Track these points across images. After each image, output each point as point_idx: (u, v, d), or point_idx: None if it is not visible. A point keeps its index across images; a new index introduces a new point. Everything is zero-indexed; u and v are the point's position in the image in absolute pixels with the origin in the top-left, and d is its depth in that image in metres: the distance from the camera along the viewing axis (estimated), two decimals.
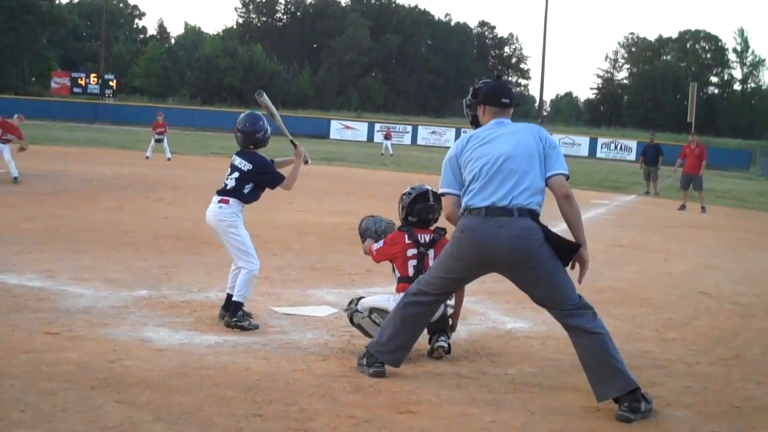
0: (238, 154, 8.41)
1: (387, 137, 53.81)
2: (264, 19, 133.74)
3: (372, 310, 7.34)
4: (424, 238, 7.39)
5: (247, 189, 8.24)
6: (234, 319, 7.74)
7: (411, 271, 7.30)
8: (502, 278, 11.37)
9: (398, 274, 7.39)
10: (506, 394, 6.39)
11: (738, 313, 10.13)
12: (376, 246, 7.52)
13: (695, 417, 6.10)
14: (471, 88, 7.13)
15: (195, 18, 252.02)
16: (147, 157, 32.84)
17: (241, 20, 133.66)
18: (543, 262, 6.16)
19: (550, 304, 6.33)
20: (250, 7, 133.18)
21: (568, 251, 6.33)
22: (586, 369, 6.16)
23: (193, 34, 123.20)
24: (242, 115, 8.66)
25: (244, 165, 8.25)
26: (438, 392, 6.32)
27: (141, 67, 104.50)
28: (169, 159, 32.35)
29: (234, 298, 7.85)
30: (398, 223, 7.67)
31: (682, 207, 25.42)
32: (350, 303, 7.54)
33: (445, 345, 7.27)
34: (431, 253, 7.34)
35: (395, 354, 6.58)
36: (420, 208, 7.50)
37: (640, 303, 10.32)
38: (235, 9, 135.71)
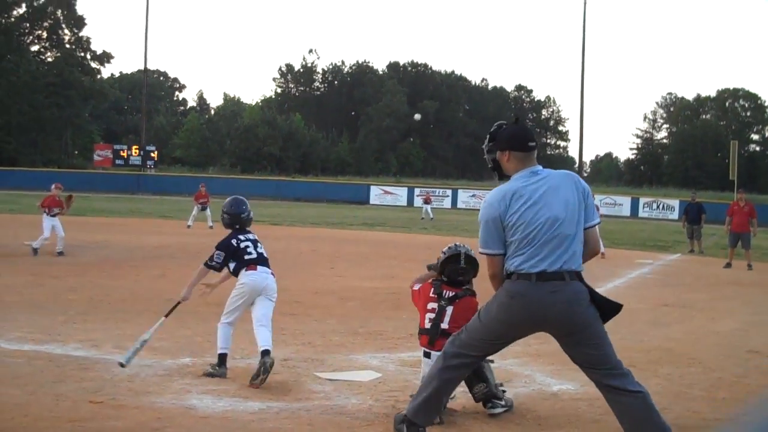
0: (244, 232, 9.38)
1: (427, 201, 53.54)
2: (302, 88, 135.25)
3: None
4: (448, 293, 7.39)
5: None
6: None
7: (427, 324, 7.31)
8: (547, 340, 11.27)
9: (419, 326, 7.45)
10: None
11: None
12: (415, 287, 7.67)
13: None
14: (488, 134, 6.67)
15: (234, 89, 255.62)
16: (189, 226, 33.07)
17: (279, 90, 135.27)
18: (591, 323, 6.13)
19: (593, 365, 6.28)
20: (288, 77, 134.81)
21: (612, 311, 6.27)
22: (630, 430, 6.04)
23: (232, 104, 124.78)
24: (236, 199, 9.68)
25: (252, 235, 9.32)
26: None
27: (181, 138, 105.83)
28: (211, 227, 32.55)
29: (268, 348, 8.41)
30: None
31: (728, 265, 25.11)
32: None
33: (500, 411, 7.30)
34: (450, 309, 7.33)
35: (430, 415, 6.49)
36: (451, 268, 7.53)
37: (688, 362, 10.15)
38: (274, 79, 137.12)
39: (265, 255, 9.19)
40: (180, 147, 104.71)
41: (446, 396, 6.55)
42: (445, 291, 7.43)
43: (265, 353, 8.27)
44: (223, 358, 8.66)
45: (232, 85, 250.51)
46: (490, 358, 7.68)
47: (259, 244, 9.27)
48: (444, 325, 7.32)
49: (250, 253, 9.05)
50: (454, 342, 6.40)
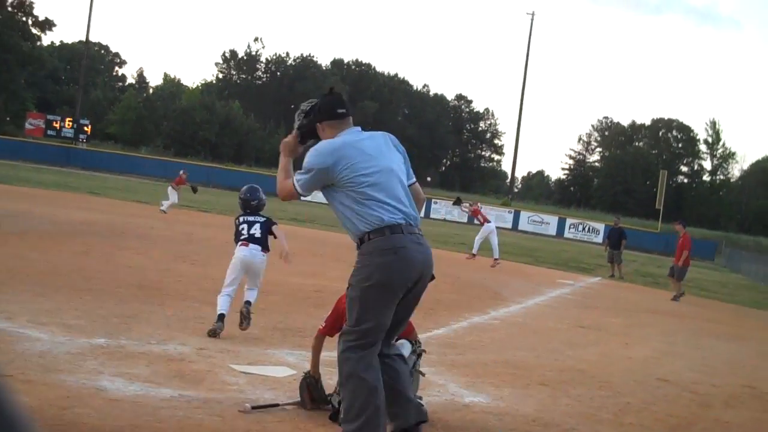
0: (251, 215, 11.06)
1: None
2: (244, 76, 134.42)
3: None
4: None
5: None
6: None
7: None
8: (464, 351, 11.41)
9: None
10: None
11: (695, 401, 10.14)
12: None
13: None
14: (299, 113, 6.76)
15: (175, 70, 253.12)
16: (163, 212, 32.10)
17: (221, 75, 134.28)
18: (428, 278, 6.16)
19: (400, 328, 6.31)
20: (231, 63, 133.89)
21: None
22: (395, 396, 6.05)
23: (171, 85, 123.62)
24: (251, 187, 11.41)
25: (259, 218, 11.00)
26: None
27: (117, 114, 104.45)
28: (163, 211, 31.63)
29: (248, 299, 10.68)
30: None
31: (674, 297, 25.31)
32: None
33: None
34: None
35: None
36: None
37: (599, 385, 10.30)
38: (216, 64, 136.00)
39: (257, 235, 10.79)
40: (115, 123, 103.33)
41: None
42: None
43: (246, 303, 10.45)
44: (221, 317, 10.07)
45: (174, 66, 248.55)
46: (422, 369, 7.77)
47: (256, 226, 10.86)
48: None
49: (242, 233, 10.74)
50: (342, 338, 6.10)
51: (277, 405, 7.21)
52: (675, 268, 26.02)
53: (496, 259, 27.82)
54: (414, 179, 6.44)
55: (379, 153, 6.17)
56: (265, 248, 10.92)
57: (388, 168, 6.11)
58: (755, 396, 11.05)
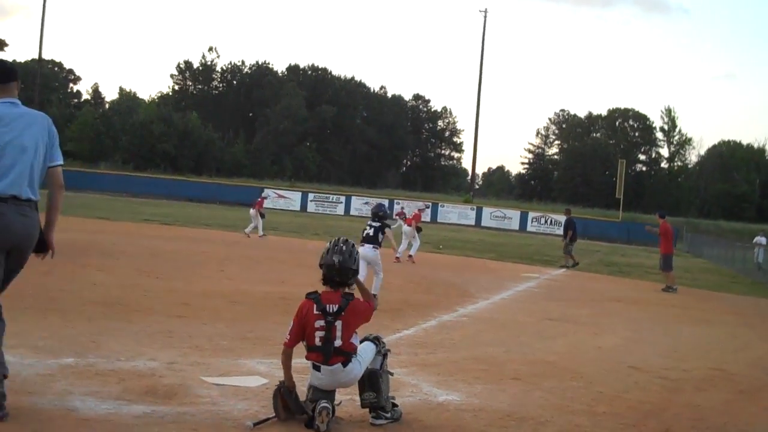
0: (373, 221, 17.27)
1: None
2: (200, 86, 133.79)
3: (308, 389, 7.30)
4: (332, 307, 7.30)
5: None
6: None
7: (318, 342, 7.22)
8: (434, 350, 11.43)
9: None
10: None
11: (667, 387, 10.22)
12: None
13: None
14: None
15: (130, 83, 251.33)
16: (262, 236, 33.54)
17: (177, 87, 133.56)
18: (30, 248, 6.84)
19: (8, 281, 7.09)
20: (187, 74, 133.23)
21: (41, 246, 6.94)
22: None
23: (127, 99, 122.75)
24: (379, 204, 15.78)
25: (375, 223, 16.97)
26: None
27: (74, 131, 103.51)
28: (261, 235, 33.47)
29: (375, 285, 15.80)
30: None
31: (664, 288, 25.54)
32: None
33: (382, 422, 7.30)
34: (339, 324, 7.25)
35: None
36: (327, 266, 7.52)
37: (570, 376, 10.35)
38: (171, 76, 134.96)
39: (371, 234, 16.69)
40: (72, 140, 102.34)
41: None
42: (327, 305, 7.31)
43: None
44: None
45: (129, 80, 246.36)
46: (390, 369, 7.77)
47: (368, 229, 16.94)
48: (337, 342, 7.27)
49: (363, 235, 16.75)
50: None
51: (277, 417, 7.17)
52: (663, 259, 26.39)
53: (410, 256, 28.05)
54: (56, 162, 6.96)
55: (19, 128, 6.63)
56: (377, 245, 16.73)
57: (21, 144, 6.57)
58: (725, 378, 11.16)
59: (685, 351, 13.53)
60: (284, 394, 7.18)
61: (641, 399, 9.38)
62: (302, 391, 7.34)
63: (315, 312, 7.22)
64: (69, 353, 9.21)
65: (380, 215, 17.36)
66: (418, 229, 29.28)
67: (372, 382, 7.37)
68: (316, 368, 7.22)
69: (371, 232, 16.80)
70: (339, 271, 7.41)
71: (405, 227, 29.57)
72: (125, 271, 17.89)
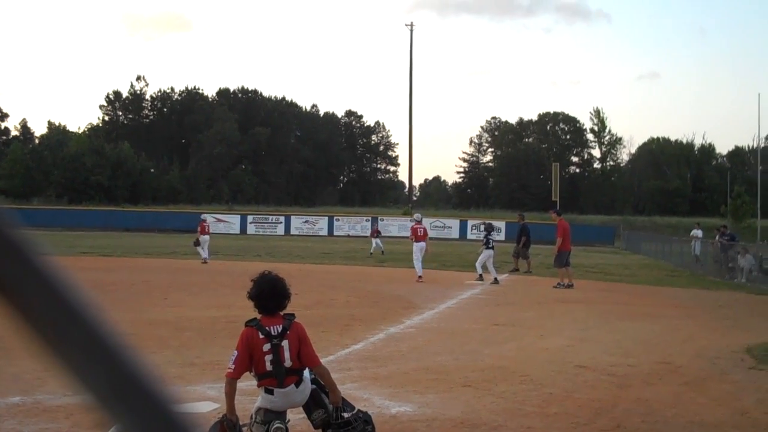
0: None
1: (376, 234, 47.67)
2: (130, 116, 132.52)
3: (256, 412, 7.26)
4: (276, 329, 7.28)
5: None
6: None
7: (269, 367, 7.18)
8: (384, 363, 11.47)
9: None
10: None
11: (615, 383, 10.37)
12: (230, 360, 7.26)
13: None
14: None
15: (59, 116, 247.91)
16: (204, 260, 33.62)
17: (107, 118, 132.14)
18: None
19: None
20: (116, 104, 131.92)
21: None
22: None
23: (57, 133, 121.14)
24: None
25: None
26: None
27: (4, 168, 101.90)
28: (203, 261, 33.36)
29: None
30: None
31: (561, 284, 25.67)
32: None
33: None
34: (285, 344, 7.25)
35: None
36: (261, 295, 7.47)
37: (520, 380, 10.46)
38: (100, 107, 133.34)
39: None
40: (3, 177, 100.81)
41: None
42: (270, 327, 7.30)
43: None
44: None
45: (57, 113, 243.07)
46: (342, 386, 7.77)
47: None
48: (287, 363, 7.25)
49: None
50: None
51: None
52: (556, 256, 26.52)
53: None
54: None
55: None
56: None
57: None
58: (671, 371, 11.35)
59: (630, 346, 13.74)
60: (227, 427, 7.10)
61: (591, 397, 9.51)
62: (243, 414, 7.31)
63: (260, 337, 7.20)
64: (15, 392, 9.09)
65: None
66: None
67: (317, 401, 7.37)
68: (269, 392, 7.20)
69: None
70: (273, 296, 7.40)
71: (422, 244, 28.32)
72: None
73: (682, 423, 8.36)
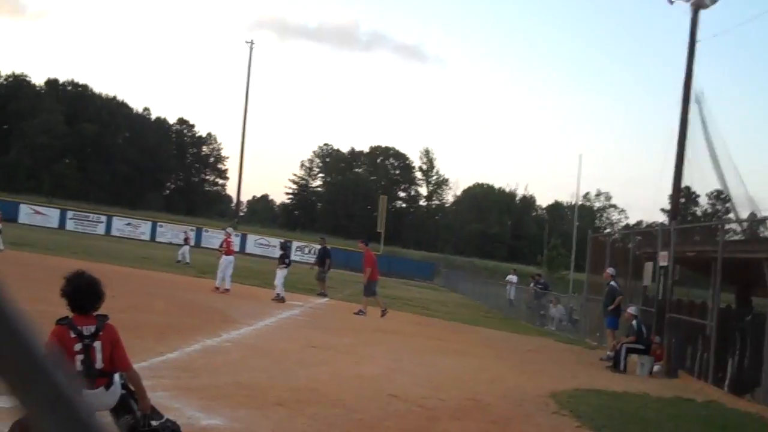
0: None
1: (187, 242, 46.30)
2: None
3: None
4: (88, 329, 7.13)
5: None
6: None
7: (80, 367, 7.02)
8: (197, 374, 11.31)
9: None
10: None
11: (424, 415, 10.53)
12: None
13: None
14: None
15: None
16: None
17: None
18: None
19: None
20: None
21: None
22: None
23: None
24: None
25: None
26: None
27: None
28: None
29: None
30: None
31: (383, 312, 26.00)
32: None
33: None
34: (98, 345, 7.11)
35: None
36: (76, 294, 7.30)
37: (332, 403, 10.50)
38: None
39: None
40: None
41: None
42: (83, 327, 7.12)
43: None
44: None
45: None
46: (152, 394, 7.63)
47: None
48: (98, 365, 7.08)
49: None
50: None
51: None
52: (365, 285, 26.95)
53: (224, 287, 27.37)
54: None
55: None
56: None
57: None
58: (478, 408, 11.62)
59: (441, 381, 13.99)
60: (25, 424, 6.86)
61: (400, 426, 9.63)
62: None
63: (72, 336, 7.00)
64: None
65: None
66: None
67: (125, 406, 7.23)
68: None
69: None
70: (88, 295, 7.24)
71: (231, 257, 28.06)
72: None
73: None
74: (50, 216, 71.46)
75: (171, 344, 13.86)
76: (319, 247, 35.50)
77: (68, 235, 59.98)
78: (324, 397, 10.87)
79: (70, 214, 72.64)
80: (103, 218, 73.85)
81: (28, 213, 70.64)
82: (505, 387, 14.39)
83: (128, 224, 73.44)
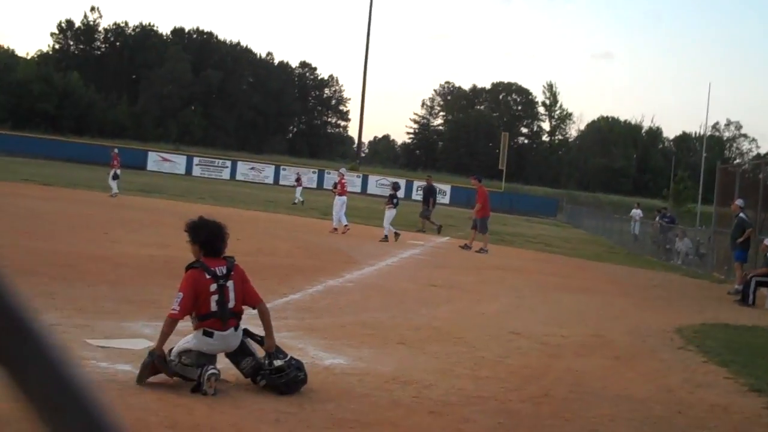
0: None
1: (299, 182, 48.20)
2: (82, 46, 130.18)
3: (181, 354, 7.25)
4: (221, 270, 7.37)
5: None
6: None
7: (214, 307, 7.26)
8: (321, 315, 11.50)
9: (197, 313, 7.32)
10: (325, 429, 6.42)
11: (547, 353, 10.50)
12: (176, 302, 7.29)
13: None
14: None
15: (7, 40, 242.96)
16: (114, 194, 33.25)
17: (57, 46, 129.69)
18: None
19: None
20: (68, 33, 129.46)
21: None
22: None
23: (5, 56, 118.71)
24: None
25: None
26: (257, 427, 6.29)
27: None
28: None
29: None
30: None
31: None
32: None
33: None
34: (231, 284, 7.35)
35: None
36: (208, 238, 7.55)
37: (454, 341, 10.54)
38: (52, 34, 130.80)
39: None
40: None
41: None
42: (216, 269, 7.37)
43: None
44: None
45: (6, 37, 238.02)
46: (278, 334, 7.83)
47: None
48: (231, 304, 7.33)
49: None
50: None
51: (139, 382, 7.10)
52: (476, 221, 26.69)
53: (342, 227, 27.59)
54: None
55: None
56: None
57: None
58: (602, 344, 11.52)
59: (564, 318, 13.91)
60: (159, 363, 7.11)
61: (522, 364, 9.62)
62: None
63: (207, 277, 7.26)
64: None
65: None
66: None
67: (243, 349, 7.44)
68: (208, 334, 7.22)
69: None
70: (220, 238, 7.50)
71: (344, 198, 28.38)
72: (4, 232, 17.43)
73: (610, 395, 8.50)
74: (177, 163, 73.19)
75: (294, 286, 14.11)
76: (424, 184, 35.29)
77: (195, 180, 61.41)
78: (446, 335, 10.93)
79: (196, 160, 74.27)
80: (228, 163, 75.28)
81: (155, 160, 72.54)
82: (629, 323, 14.21)
83: (252, 168, 74.69)
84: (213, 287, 7.29)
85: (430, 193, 34.36)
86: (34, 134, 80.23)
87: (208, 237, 7.50)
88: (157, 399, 6.72)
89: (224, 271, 7.38)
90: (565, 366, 9.84)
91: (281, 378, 7.28)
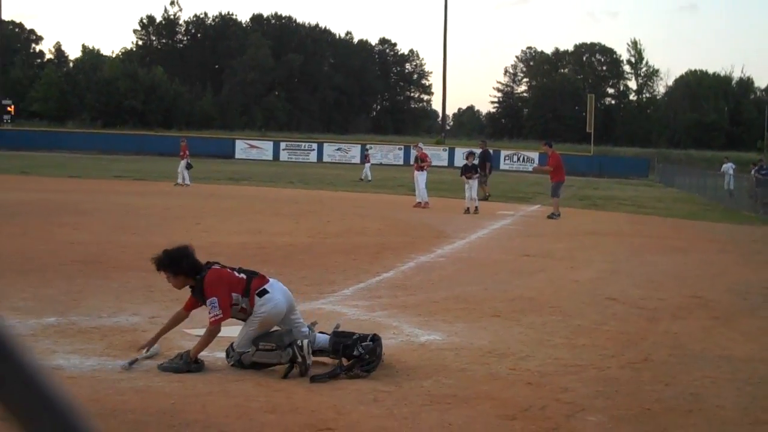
0: None
1: (367, 159, 48.91)
2: (164, 41, 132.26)
3: (256, 341, 7.33)
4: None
5: None
6: None
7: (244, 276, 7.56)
8: (414, 292, 11.51)
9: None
10: (423, 406, 6.43)
11: (644, 317, 10.35)
12: (215, 307, 7.40)
13: (608, 421, 6.22)
14: None
15: (93, 40, 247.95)
16: (186, 185, 33.71)
17: (140, 42, 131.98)
18: None
19: None
20: (150, 29, 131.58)
21: None
22: None
23: (91, 56, 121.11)
24: None
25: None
26: (355, 407, 6.33)
27: (39, 91, 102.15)
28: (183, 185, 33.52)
29: None
30: None
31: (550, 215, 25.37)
32: (228, 353, 7.47)
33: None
34: None
35: None
36: None
37: (549, 311, 10.46)
38: (134, 31, 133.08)
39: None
40: (37, 101, 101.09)
41: None
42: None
43: None
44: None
45: (91, 37, 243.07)
46: (369, 315, 7.87)
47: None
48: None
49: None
50: None
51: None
52: (552, 187, 26.13)
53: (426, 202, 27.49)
54: None
55: None
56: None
57: None
58: (701, 305, 11.31)
59: (661, 280, 13.69)
60: (187, 366, 7.20)
61: (620, 329, 9.51)
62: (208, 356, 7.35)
63: (226, 268, 7.54)
64: (50, 313, 9.21)
65: None
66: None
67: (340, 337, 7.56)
68: (264, 293, 7.39)
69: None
70: (192, 255, 7.93)
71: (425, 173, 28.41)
72: (101, 229, 17.83)
73: (711, 357, 8.35)
74: (264, 149, 73.84)
75: (386, 264, 14.14)
76: (479, 150, 34.91)
77: (282, 165, 61.93)
78: (541, 305, 10.86)
79: (282, 145, 74.80)
80: (314, 146, 75.69)
81: (243, 148, 73.28)
82: (729, 281, 13.93)
83: (338, 149, 74.97)
84: (234, 270, 7.65)
85: (485, 158, 34.04)
86: (123, 131, 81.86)
87: (187, 261, 7.66)
88: (256, 384, 6.81)
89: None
90: (664, 329, 9.70)
91: (372, 363, 7.32)
